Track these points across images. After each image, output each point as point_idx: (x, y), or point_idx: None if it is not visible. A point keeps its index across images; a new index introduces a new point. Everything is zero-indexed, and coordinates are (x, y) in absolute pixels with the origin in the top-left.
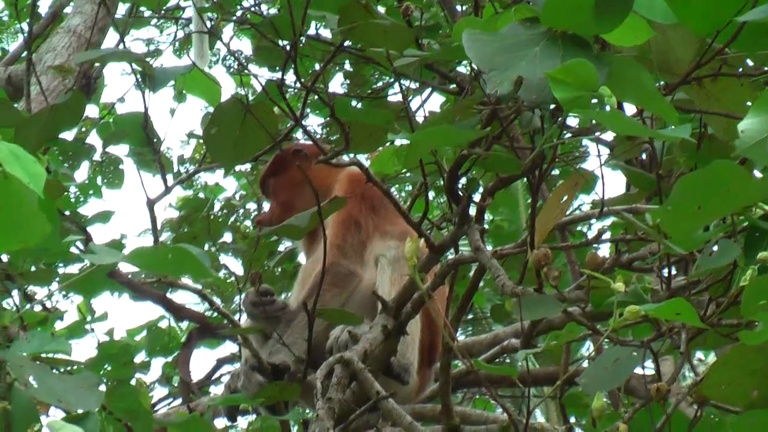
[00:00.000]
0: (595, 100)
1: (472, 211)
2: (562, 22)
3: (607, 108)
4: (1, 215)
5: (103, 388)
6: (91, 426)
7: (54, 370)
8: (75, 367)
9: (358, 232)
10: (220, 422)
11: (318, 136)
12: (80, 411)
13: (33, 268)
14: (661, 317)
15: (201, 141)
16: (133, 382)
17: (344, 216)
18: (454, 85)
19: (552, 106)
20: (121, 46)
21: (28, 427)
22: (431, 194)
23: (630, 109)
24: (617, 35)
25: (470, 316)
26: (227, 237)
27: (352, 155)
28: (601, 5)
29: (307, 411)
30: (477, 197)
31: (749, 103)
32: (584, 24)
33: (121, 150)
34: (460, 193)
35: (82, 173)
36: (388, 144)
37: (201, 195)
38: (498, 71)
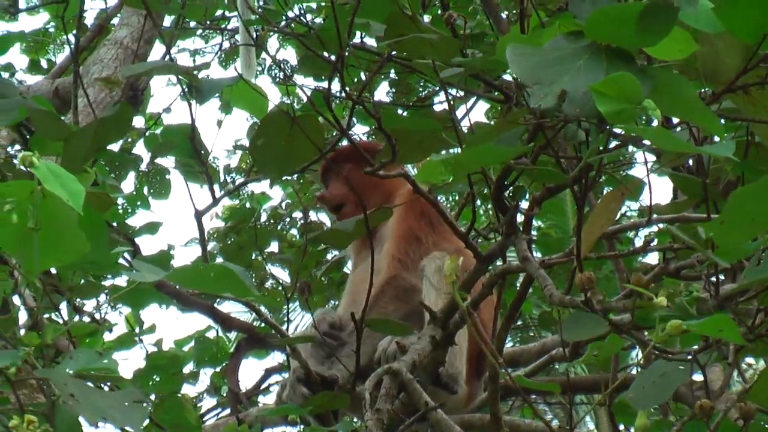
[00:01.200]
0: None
1: (519, 219)
2: (606, 35)
3: (654, 122)
4: (40, 233)
5: (149, 401)
6: None
7: (102, 385)
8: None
9: (419, 247)
10: None
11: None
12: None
13: (81, 281)
14: (704, 333)
15: (247, 151)
16: (179, 394)
17: (405, 230)
18: (499, 93)
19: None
20: (167, 58)
21: None
22: (478, 202)
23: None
24: (662, 49)
25: (518, 323)
26: (274, 246)
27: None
28: (645, 19)
29: (356, 422)
30: (524, 206)
31: None
32: (628, 37)
33: (167, 160)
34: (506, 202)
35: (128, 183)
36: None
37: (247, 204)
38: (542, 85)
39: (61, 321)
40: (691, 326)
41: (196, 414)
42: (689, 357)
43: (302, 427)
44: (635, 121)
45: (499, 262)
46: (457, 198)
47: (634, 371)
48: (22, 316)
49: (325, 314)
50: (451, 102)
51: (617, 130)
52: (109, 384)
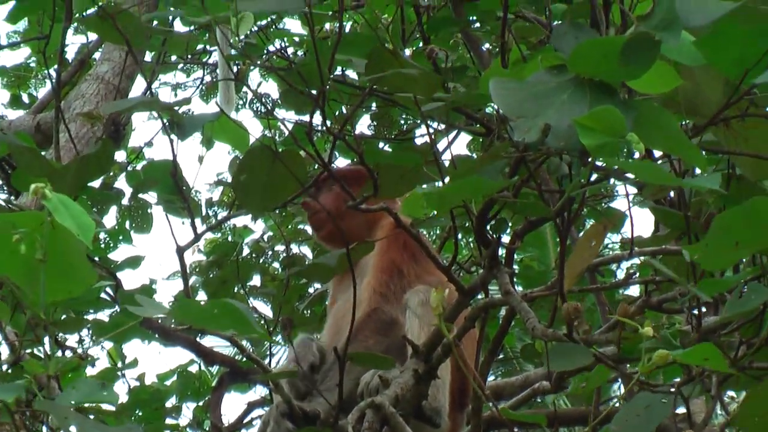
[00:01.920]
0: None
1: (501, 253)
2: (590, 69)
3: (636, 154)
4: (48, 265)
5: None
6: None
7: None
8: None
9: (401, 280)
10: None
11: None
12: None
13: (63, 316)
14: (690, 363)
15: (230, 186)
16: (167, 430)
17: (387, 263)
18: (481, 126)
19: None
20: (148, 93)
21: None
22: (459, 236)
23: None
24: (644, 82)
25: (501, 356)
26: (256, 280)
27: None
28: (628, 52)
29: None
30: (506, 239)
31: None
32: (611, 71)
33: (150, 195)
34: (489, 236)
35: (110, 218)
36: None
37: (229, 238)
38: (526, 119)
39: (42, 356)
40: (677, 356)
41: None
42: (672, 390)
43: None
44: (618, 154)
45: (481, 296)
46: (438, 232)
47: (617, 404)
48: (4, 351)
49: (307, 351)
50: (433, 135)
51: (600, 164)
52: (92, 417)
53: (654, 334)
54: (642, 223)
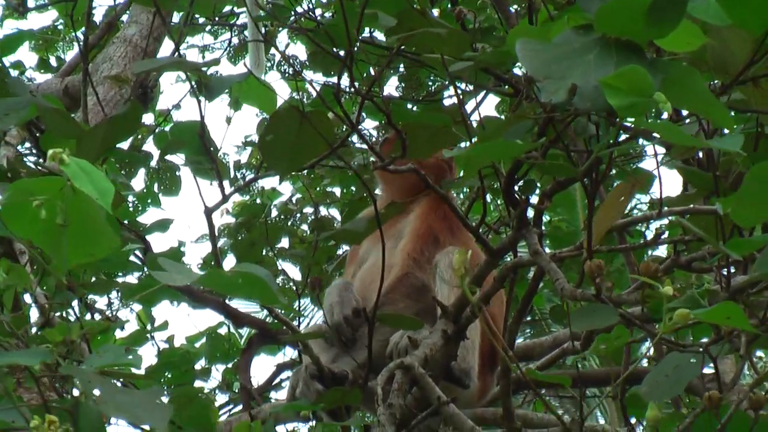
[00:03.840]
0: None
1: (530, 214)
2: (616, 28)
3: (664, 114)
4: (69, 229)
5: (166, 399)
6: None
7: (115, 383)
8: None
9: (436, 248)
10: (282, 429)
11: (375, 140)
12: (148, 427)
13: (93, 279)
14: (711, 321)
15: (257, 147)
16: (202, 395)
17: (425, 229)
18: (509, 87)
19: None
20: (176, 55)
21: None
22: (488, 197)
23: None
24: (671, 41)
25: (529, 318)
26: (284, 242)
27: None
28: (655, 11)
29: (368, 416)
30: (534, 200)
31: None
32: (638, 30)
33: (177, 157)
34: (517, 196)
35: (138, 181)
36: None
37: (257, 200)
38: (553, 80)
39: (72, 319)
40: (698, 315)
41: (218, 414)
42: (701, 350)
43: (314, 422)
44: (646, 114)
45: (509, 257)
46: (467, 191)
47: (644, 363)
48: (33, 314)
49: (348, 295)
50: (461, 96)
51: (627, 124)
52: (122, 381)
53: (675, 293)
54: (670, 183)
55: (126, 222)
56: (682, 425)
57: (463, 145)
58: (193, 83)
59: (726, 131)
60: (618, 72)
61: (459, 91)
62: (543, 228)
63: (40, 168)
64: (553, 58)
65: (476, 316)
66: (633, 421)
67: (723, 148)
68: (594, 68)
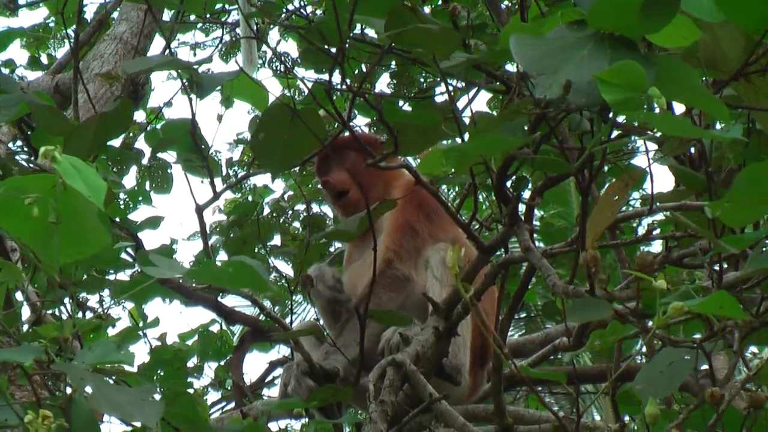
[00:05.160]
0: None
1: (521, 210)
2: (609, 23)
3: (656, 109)
4: (61, 227)
5: (158, 396)
6: None
7: (108, 380)
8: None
9: (414, 238)
10: (275, 426)
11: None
12: (139, 424)
13: (84, 276)
14: (705, 313)
15: (249, 145)
16: (191, 390)
17: (402, 222)
18: (500, 84)
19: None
20: (167, 53)
21: None
22: (479, 193)
23: (679, 107)
24: (664, 36)
25: (523, 314)
26: (276, 240)
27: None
28: (648, 6)
29: (360, 414)
30: (526, 196)
31: None
32: (631, 25)
33: (168, 155)
34: (508, 193)
35: (130, 178)
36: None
37: (249, 198)
38: (547, 75)
39: (64, 317)
40: (692, 306)
41: (207, 410)
42: (694, 345)
43: (306, 420)
44: (640, 109)
45: (501, 253)
46: (458, 189)
47: (637, 359)
48: (25, 312)
49: (324, 271)
50: (452, 93)
51: (621, 120)
52: (113, 378)
53: (668, 287)
54: (662, 179)
55: (117, 219)
56: (676, 422)
57: (454, 141)
58: (185, 81)
59: (718, 126)
60: (612, 67)
61: (450, 88)
62: (535, 224)
63: (31, 165)
64: (547, 53)
65: (467, 312)
66: (626, 419)
67: (724, 137)
68: (588, 63)
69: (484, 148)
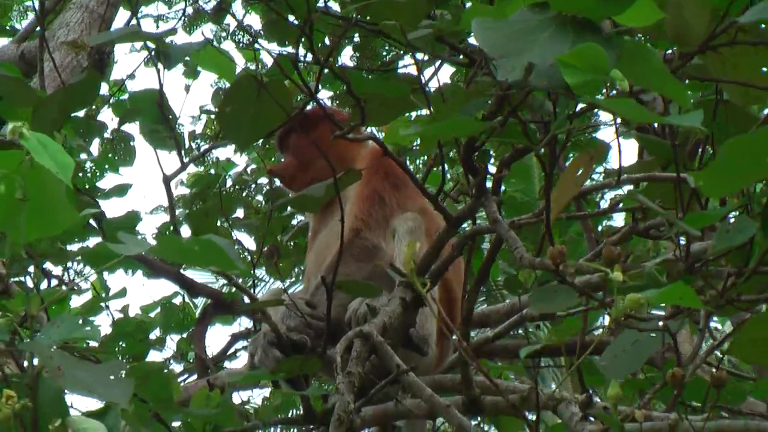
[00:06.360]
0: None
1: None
2: (572, 5)
3: (619, 91)
4: (28, 204)
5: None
6: (112, 421)
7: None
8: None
9: (383, 208)
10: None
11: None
12: (107, 402)
13: (48, 248)
14: (664, 303)
15: (213, 117)
16: (165, 371)
17: (369, 191)
18: (464, 57)
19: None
20: (132, 24)
21: (52, 419)
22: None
23: None
24: (628, 17)
25: (483, 289)
26: (239, 213)
27: (368, 129)
28: None
29: (327, 385)
30: (492, 169)
31: (766, 69)
32: (593, 7)
33: (132, 127)
34: (476, 165)
35: (93, 150)
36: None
37: (212, 171)
38: (509, 58)
39: (30, 285)
40: (650, 298)
41: (180, 389)
42: (659, 324)
43: (272, 390)
44: (601, 91)
45: (467, 225)
46: (425, 159)
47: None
48: None
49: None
50: (419, 64)
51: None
52: (77, 353)
53: (624, 279)
54: (626, 154)
55: (84, 188)
56: (643, 401)
57: (420, 112)
58: (152, 51)
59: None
60: (574, 49)
61: (417, 59)
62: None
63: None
64: (509, 36)
65: (435, 283)
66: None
67: (683, 124)
68: (550, 46)
69: (449, 131)
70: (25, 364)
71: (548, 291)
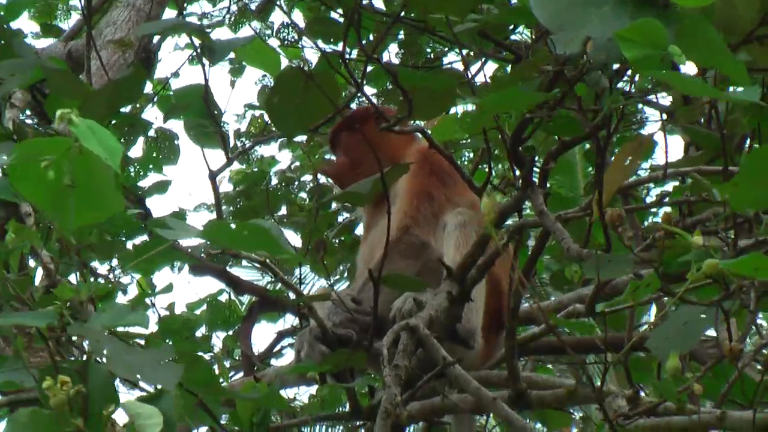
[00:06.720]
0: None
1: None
2: None
3: (681, 68)
4: (76, 190)
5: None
6: (166, 405)
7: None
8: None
9: (431, 204)
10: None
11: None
12: (158, 387)
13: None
14: (740, 272)
15: (257, 115)
16: (211, 354)
17: (418, 188)
18: (508, 53)
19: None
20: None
21: (105, 405)
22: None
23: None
24: None
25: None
26: (284, 210)
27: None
28: None
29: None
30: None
31: None
32: None
33: (176, 125)
34: (522, 157)
35: (137, 149)
36: (451, 111)
37: (256, 168)
38: (567, 31)
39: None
40: (728, 265)
41: (227, 372)
42: (713, 304)
43: (320, 385)
44: (659, 66)
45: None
46: (471, 156)
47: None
48: (37, 280)
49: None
50: (465, 58)
51: (627, 91)
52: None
53: (703, 243)
54: (671, 150)
55: (127, 186)
56: (691, 383)
57: (466, 107)
58: (197, 47)
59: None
60: (633, 24)
61: (463, 53)
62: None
63: (46, 131)
64: (568, 8)
65: (482, 277)
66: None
67: (742, 100)
68: (609, 20)
69: (502, 104)
70: (75, 351)
71: (605, 259)
